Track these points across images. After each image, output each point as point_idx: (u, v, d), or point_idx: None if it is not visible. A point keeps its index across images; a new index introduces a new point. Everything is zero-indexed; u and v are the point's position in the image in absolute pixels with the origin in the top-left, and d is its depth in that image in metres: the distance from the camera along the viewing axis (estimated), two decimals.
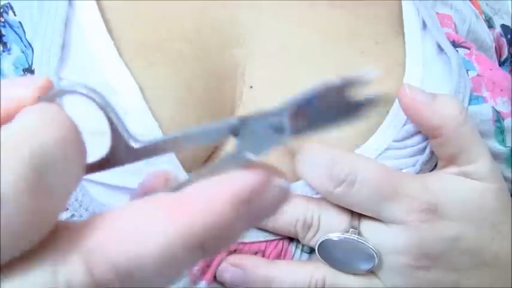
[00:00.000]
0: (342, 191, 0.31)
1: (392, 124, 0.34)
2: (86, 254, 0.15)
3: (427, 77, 0.36)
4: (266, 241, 0.33)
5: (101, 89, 0.29)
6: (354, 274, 0.32)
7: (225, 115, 0.35)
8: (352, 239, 0.31)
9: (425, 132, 0.34)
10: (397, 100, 0.34)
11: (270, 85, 0.36)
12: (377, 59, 0.37)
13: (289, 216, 0.32)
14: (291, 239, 0.33)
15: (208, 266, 0.32)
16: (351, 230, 0.31)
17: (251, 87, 0.36)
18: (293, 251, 0.33)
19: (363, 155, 0.33)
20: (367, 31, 0.38)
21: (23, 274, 0.15)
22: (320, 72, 0.36)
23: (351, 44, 0.37)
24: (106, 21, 0.34)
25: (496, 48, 0.42)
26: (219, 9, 0.36)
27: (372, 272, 0.32)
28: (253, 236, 0.33)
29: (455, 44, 0.38)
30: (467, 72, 0.37)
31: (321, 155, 0.32)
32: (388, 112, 0.35)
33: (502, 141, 0.36)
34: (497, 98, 0.37)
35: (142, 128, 0.31)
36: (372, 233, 0.31)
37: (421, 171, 0.34)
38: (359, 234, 0.31)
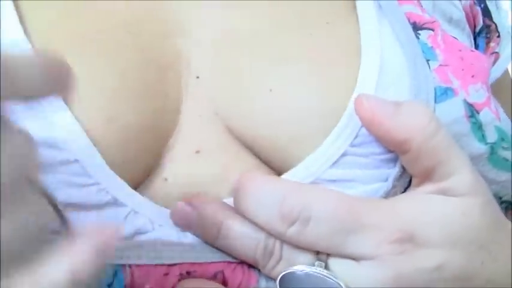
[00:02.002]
0: (295, 231, 0.27)
1: (349, 125, 0.30)
2: None
3: (385, 67, 0.32)
4: (224, 262, 0.29)
5: None
6: None
7: (169, 107, 0.32)
8: (320, 274, 0.27)
9: (391, 148, 0.30)
10: (354, 96, 0.30)
11: (215, 74, 0.32)
12: (329, 42, 0.33)
13: (250, 238, 0.28)
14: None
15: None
16: (317, 262, 0.28)
17: (197, 77, 0.32)
18: (257, 277, 0.29)
19: (318, 162, 0.30)
20: (316, 11, 0.34)
21: None
22: (269, 57, 0.32)
23: (300, 26, 0.33)
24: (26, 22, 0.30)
25: (468, 16, 0.38)
26: None
27: None
28: (208, 256, 0.29)
29: (416, 27, 0.34)
30: (427, 63, 0.32)
31: (267, 189, 0.28)
32: (345, 110, 0.30)
33: (482, 138, 0.32)
34: (469, 86, 0.32)
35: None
36: (342, 269, 0.28)
37: (393, 188, 0.30)
38: (326, 268, 0.28)
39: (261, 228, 0.28)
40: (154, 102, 0.31)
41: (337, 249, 0.27)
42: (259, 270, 0.29)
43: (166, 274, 0.29)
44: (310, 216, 0.27)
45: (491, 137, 0.32)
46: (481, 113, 0.32)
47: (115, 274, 0.28)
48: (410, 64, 0.32)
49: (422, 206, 0.28)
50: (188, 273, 0.29)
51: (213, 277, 0.29)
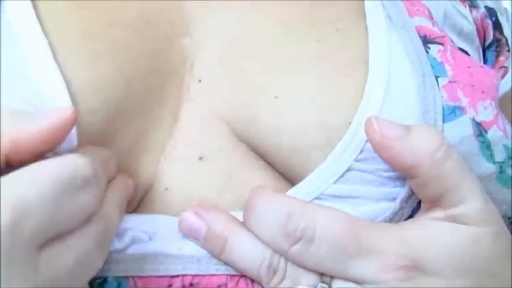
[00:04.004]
0: (298, 250, 0.27)
1: (354, 139, 0.30)
2: None
3: (393, 82, 0.31)
4: (227, 275, 0.29)
5: (29, 94, 0.28)
6: None
7: (170, 111, 0.32)
8: None
9: (400, 172, 0.29)
10: (360, 110, 0.30)
11: (220, 78, 0.32)
12: (337, 50, 0.32)
13: (255, 254, 0.28)
14: None
15: None
16: (320, 285, 0.28)
17: (200, 80, 0.32)
18: None
19: (323, 177, 0.30)
20: (327, 17, 0.33)
21: None
22: (273, 64, 0.32)
23: (309, 33, 0.33)
24: (40, 13, 0.30)
25: (479, 30, 0.37)
26: None
27: None
28: (212, 268, 0.29)
29: (426, 40, 0.33)
30: (436, 80, 0.32)
31: (273, 206, 0.28)
32: (350, 123, 0.30)
33: (491, 157, 0.31)
34: (478, 103, 0.32)
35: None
36: None
37: (401, 209, 0.30)
38: None
39: (265, 244, 0.28)
40: (156, 106, 0.31)
41: (340, 272, 0.27)
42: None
43: (169, 286, 0.29)
44: (314, 237, 0.27)
45: (500, 156, 0.32)
46: (489, 132, 0.32)
47: (119, 286, 0.29)
48: (418, 81, 0.31)
49: (431, 233, 0.28)
50: (191, 284, 0.29)
51: None
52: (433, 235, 0.28)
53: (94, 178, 0.25)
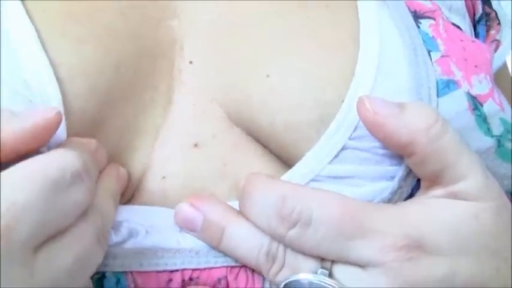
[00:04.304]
0: (296, 234, 0.27)
1: (347, 117, 0.29)
2: None
3: (384, 58, 0.30)
4: (227, 267, 0.29)
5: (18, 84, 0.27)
6: None
7: (163, 94, 0.31)
8: (322, 282, 0.27)
9: (396, 151, 0.29)
10: (352, 86, 0.30)
11: (210, 59, 0.32)
12: (328, 26, 0.32)
13: (253, 242, 0.28)
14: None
15: None
16: (320, 270, 0.27)
17: (191, 62, 0.32)
18: (262, 283, 0.29)
19: (318, 158, 0.29)
20: None
21: None
22: (264, 43, 0.31)
23: (299, 9, 0.32)
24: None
25: (467, 4, 0.37)
26: None
27: None
28: (211, 261, 0.29)
29: (417, 15, 0.33)
30: (429, 54, 0.31)
31: (268, 191, 0.27)
32: (343, 101, 0.29)
33: (488, 131, 0.31)
34: (472, 77, 0.31)
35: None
36: (346, 277, 0.27)
37: (399, 188, 0.29)
38: (331, 276, 0.27)
39: (263, 231, 0.28)
40: (142, 97, 0.30)
41: (340, 255, 0.27)
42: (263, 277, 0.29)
43: (169, 280, 0.29)
44: (311, 219, 0.26)
45: (497, 129, 0.31)
46: (485, 105, 0.31)
47: (118, 282, 0.28)
48: (410, 56, 0.31)
49: (431, 211, 0.27)
50: (191, 279, 0.29)
51: (217, 282, 0.29)
52: (433, 213, 0.27)
53: (84, 172, 0.25)
